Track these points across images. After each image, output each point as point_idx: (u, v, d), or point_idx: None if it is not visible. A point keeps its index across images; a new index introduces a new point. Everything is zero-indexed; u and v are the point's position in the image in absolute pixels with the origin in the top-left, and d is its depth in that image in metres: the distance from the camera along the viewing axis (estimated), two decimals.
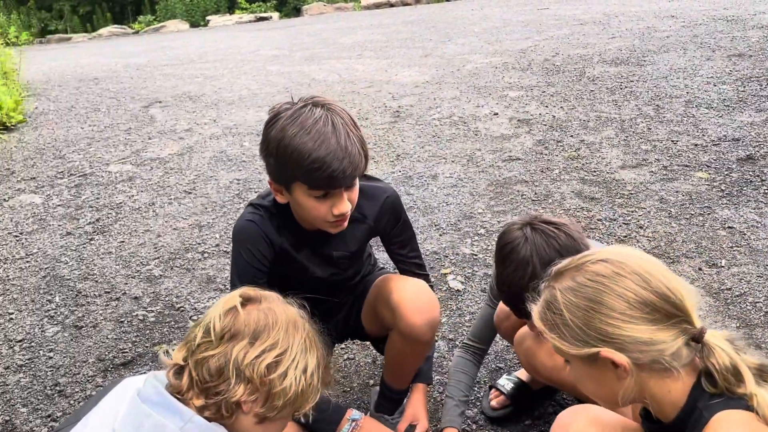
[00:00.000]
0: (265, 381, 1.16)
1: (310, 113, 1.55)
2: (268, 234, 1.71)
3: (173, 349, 1.24)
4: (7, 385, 2.42)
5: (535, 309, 1.23)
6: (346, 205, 1.62)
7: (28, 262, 3.30)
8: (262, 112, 5.59)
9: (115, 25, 14.96)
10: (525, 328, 1.84)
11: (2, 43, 9.03)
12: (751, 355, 1.13)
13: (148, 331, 2.65)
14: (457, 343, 2.49)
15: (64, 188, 4.21)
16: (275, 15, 15.05)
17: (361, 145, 1.58)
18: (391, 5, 13.64)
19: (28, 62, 8.35)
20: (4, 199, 4.11)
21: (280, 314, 1.22)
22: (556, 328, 1.17)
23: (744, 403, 1.08)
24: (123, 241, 3.44)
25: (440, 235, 3.26)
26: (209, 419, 1.14)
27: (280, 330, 1.19)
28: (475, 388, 2.21)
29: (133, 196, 4.00)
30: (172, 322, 2.69)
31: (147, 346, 2.57)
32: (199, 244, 3.34)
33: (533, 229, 1.64)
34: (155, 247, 3.34)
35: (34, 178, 4.45)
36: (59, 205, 3.95)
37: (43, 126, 5.77)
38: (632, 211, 3.25)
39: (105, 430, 1.09)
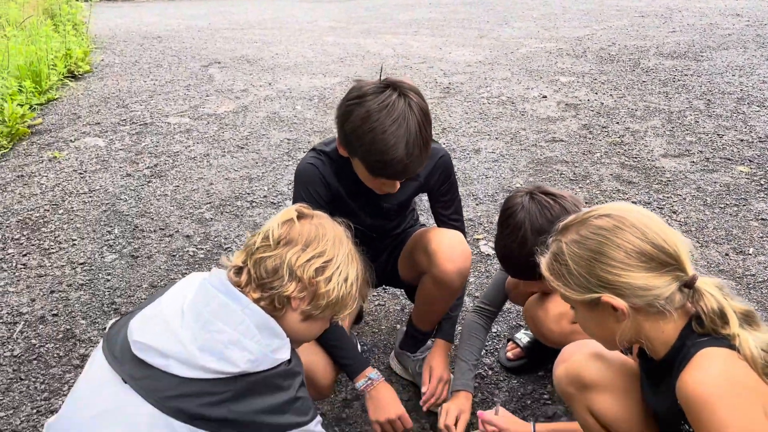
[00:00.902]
0: (313, 282, 1.33)
1: (393, 108, 1.59)
2: (327, 177, 1.85)
3: (233, 255, 1.42)
4: (69, 300, 2.66)
5: (543, 261, 1.35)
6: (395, 188, 1.78)
7: (90, 197, 3.56)
8: (316, 79, 5.77)
9: None
10: (533, 298, 1.96)
11: None
12: (739, 302, 1.24)
13: (197, 266, 2.86)
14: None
15: (126, 135, 4.47)
16: None
17: (426, 148, 1.67)
18: None
19: (97, 17, 8.69)
20: (71, 140, 4.40)
21: (329, 229, 1.39)
22: (562, 277, 1.29)
23: (727, 342, 1.19)
24: (178, 186, 3.66)
25: (477, 204, 3.37)
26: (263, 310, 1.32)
27: (328, 241, 1.36)
28: (495, 340, 2.35)
29: (189, 146, 4.23)
30: (220, 260, 2.89)
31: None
32: (248, 194, 3.54)
33: (532, 198, 1.78)
34: (207, 194, 3.56)
35: (98, 123, 4.73)
36: (121, 149, 4.21)
37: (108, 77, 6.07)
38: (668, 197, 3.31)
39: (175, 309, 1.27)
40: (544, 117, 4.58)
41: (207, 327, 1.23)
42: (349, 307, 1.41)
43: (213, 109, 4.95)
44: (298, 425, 1.28)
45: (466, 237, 2.10)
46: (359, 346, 2.21)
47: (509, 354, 2.22)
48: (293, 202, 1.88)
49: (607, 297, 1.24)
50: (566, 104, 4.82)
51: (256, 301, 1.31)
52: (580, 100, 4.89)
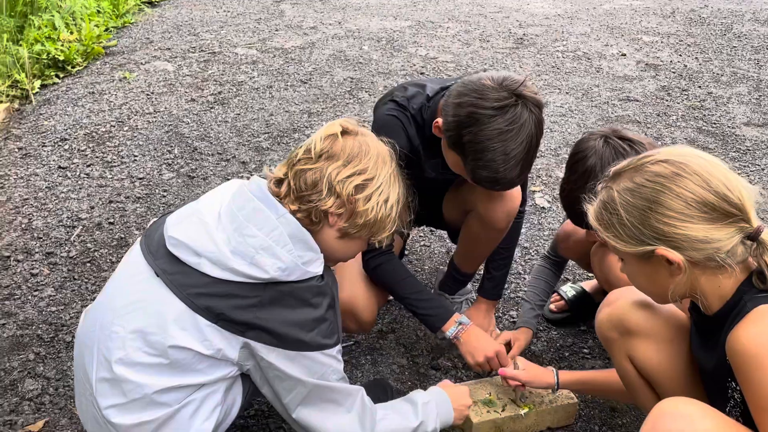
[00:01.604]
0: (352, 199, 1.29)
1: (521, 130, 1.51)
2: (411, 137, 1.76)
3: (275, 167, 1.39)
4: (125, 210, 2.74)
5: (591, 209, 1.25)
6: None
7: (155, 117, 3.63)
8: (386, 21, 5.65)
9: None
10: (599, 244, 1.87)
11: None
12: None
13: None
14: (532, 253, 2.56)
15: (194, 61, 4.51)
16: None
17: (530, 166, 1.61)
18: None
19: None
20: (141, 63, 4.47)
21: (373, 147, 1.34)
22: (612, 227, 1.19)
23: None
24: (239, 114, 3.68)
25: (538, 157, 3.25)
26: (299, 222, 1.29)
27: (370, 159, 1.31)
28: None
29: (253, 77, 4.23)
30: (262, 170, 2.91)
31: None
32: (306, 127, 3.53)
33: (606, 142, 1.65)
34: (266, 124, 3.57)
35: (169, 49, 4.79)
36: (188, 75, 4.25)
37: (183, 6, 6.11)
38: (745, 166, 3.10)
39: (213, 210, 1.27)
40: (621, 75, 4.35)
41: (240, 230, 1.23)
42: (387, 230, 1.37)
43: (280, 44, 4.93)
44: (321, 347, 1.27)
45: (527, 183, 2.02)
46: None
47: (552, 306, 2.16)
48: None
49: (662, 250, 1.15)
50: (646, 64, 4.56)
51: (293, 212, 1.28)
52: (661, 61, 4.61)
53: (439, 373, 1.94)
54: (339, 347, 1.33)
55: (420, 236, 2.57)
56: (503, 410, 1.70)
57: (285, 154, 3.22)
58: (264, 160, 3.17)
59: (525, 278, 2.39)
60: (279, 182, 1.33)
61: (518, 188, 1.87)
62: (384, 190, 1.33)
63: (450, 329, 1.78)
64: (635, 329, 1.35)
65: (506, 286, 2.25)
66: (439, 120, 1.64)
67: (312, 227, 1.31)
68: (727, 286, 1.16)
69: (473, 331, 1.79)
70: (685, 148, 1.21)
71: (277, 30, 5.31)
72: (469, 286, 2.15)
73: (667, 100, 3.92)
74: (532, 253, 2.55)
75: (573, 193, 1.67)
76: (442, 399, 1.54)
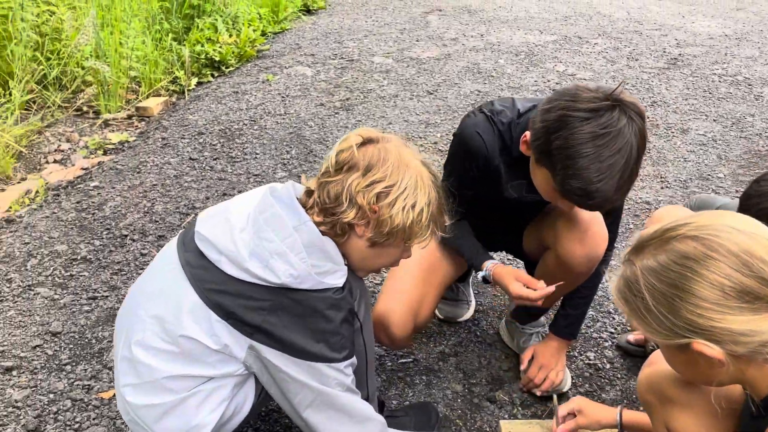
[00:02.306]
0: (374, 208, 1.27)
1: (618, 136, 1.36)
2: (491, 153, 1.65)
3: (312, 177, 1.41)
4: None
5: (614, 285, 1.06)
6: (572, 209, 1.60)
7: (283, 119, 3.83)
8: (530, 35, 5.49)
9: None
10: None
11: None
12: None
13: None
14: None
15: (332, 68, 4.70)
16: None
17: (629, 184, 1.43)
18: None
19: None
20: (285, 66, 4.74)
21: (393, 152, 1.30)
22: (638, 312, 1.02)
23: None
24: (360, 121, 3.78)
25: (662, 187, 2.99)
26: (323, 233, 1.30)
27: (390, 166, 1.28)
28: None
29: (383, 86, 4.32)
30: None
31: None
32: (421, 137, 3.53)
33: None
34: (383, 131, 3.62)
35: (313, 55, 5.03)
36: (323, 81, 4.44)
37: (336, 14, 6.40)
38: None
39: (242, 211, 1.32)
40: None
41: (259, 233, 1.25)
42: (419, 236, 1.33)
43: (417, 54, 4.98)
44: (327, 360, 1.26)
45: (620, 220, 1.85)
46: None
47: (630, 337, 1.97)
48: (447, 161, 1.77)
49: (699, 344, 0.96)
50: None
51: (318, 224, 1.29)
52: None
53: (494, 407, 1.85)
54: (350, 361, 1.31)
55: (508, 259, 2.46)
56: None
57: None
58: None
59: (615, 317, 2.20)
60: (309, 193, 1.35)
61: (604, 230, 1.70)
62: (409, 194, 1.28)
63: (481, 273, 1.76)
64: (675, 398, 1.19)
65: (585, 324, 2.09)
66: (527, 134, 1.51)
67: (338, 239, 1.31)
68: None
69: (500, 268, 1.73)
70: (722, 217, 1.00)
71: (417, 40, 5.37)
72: (542, 319, 2.02)
73: None
74: None
75: None
76: None
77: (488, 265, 1.76)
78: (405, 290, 1.79)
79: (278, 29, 5.91)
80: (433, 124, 3.70)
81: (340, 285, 1.28)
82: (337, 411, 1.30)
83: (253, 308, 1.23)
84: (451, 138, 1.76)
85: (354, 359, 1.33)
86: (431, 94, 4.15)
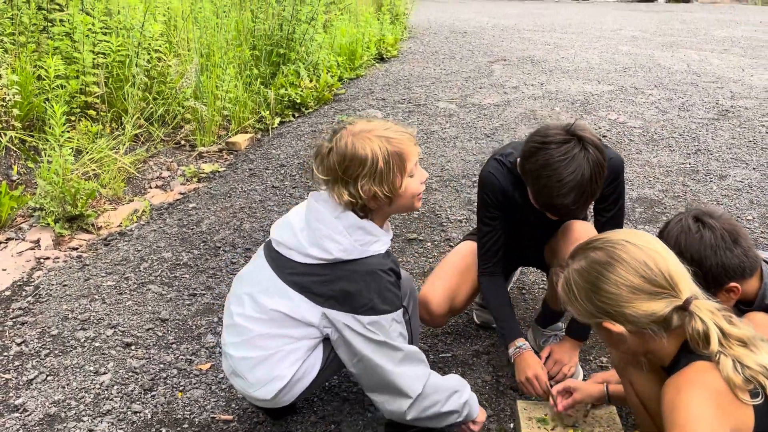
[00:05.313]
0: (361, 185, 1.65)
1: (572, 161, 1.75)
2: (504, 186, 2.10)
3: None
4: None
5: (560, 283, 1.50)
6: (555, 218, 2.00)
7: None
8: (589, 85, 5.85)
9: None
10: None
11: None
12: (738, 328, 1.32)
13: (408, 222, 3.38)
14: None
15: (400, 111, 5.21)
16: None
17: (592, 198, 1.82)
18: None
19: (419, 10, 9.83)
20: (358, 109, 5.29)
21: (348, 141, 1.65)
22: (572, 301, 1.46)
23: (713, 359, 1.30)
24: (420, 159, 4.23)
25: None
26: (362, 218, 1.70)
27: (356, 152, 1.64)
28: None
29: (445, 128, 4.78)
30: (428, 221, 3.37)
31: (402, 231, 3.30)
32: (473, 174, 3.95)
33: (697, 220, 1.75)
34: (441, 169, 4.06)
35: (383, 99, 5.56)
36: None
37: (407, 62, 6.97)
38: None
39: (300, 215, 1.76)
40: None
41: (311, 226, 1.70)
42: (402, 163, 1.69)
43: (479, 100, 5.43)
44: (383, 312, 1.67)
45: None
46: None
47: None
48: (478, 201, 2.21)
49: (607, 323, 1.41)
50: None
51: (354, 212, 1.69)
52: None
53: (516, 394, 2.20)
54: (400, 311, 1.70)
55: (540, 273, 2.81)
56: (553, 429, 1.93)
57: (447, 197, 3.67)
58: (428, 199, 3.65)
59: None
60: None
61: None
62: (366, 146, 1.63)
63: (510, 350, 2.08)
64: (633, 365, 1.58)
65: None
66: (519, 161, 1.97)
67: (371, 215, 1.72)
68: (672, 345, 1.40)
69: (526, 355, 2.06)
70: (624, 234, 1.44)
71: (480, 88, 5.83)
72: (560, 323, 2.37)
73: None
74: None
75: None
76: (474, 398, 1.85)
77: (518, 344, 2.11)
78: (444, 279, 2.21)
79: (354, 75, 6.51)
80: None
81: (383, 251, 1.70)
82: (391, 349, 1.69)
83: (320, 282, 1.67)
84: None
85: (401, 311, 1.72)
86: (488, 137, 4.57)
